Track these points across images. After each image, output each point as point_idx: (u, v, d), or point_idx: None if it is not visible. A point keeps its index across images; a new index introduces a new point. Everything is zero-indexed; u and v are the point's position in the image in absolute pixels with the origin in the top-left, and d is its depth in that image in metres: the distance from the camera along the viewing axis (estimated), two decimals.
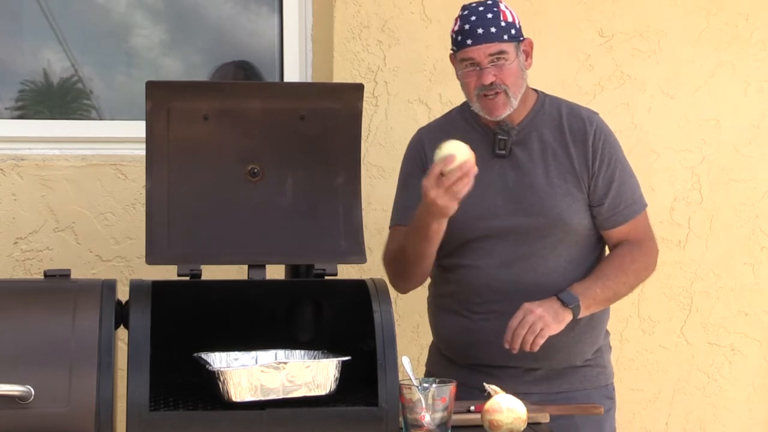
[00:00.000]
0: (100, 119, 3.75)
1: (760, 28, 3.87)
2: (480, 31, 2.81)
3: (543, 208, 2.86)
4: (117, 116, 3.74)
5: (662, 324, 3.85)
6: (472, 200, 2.86)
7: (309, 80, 3.70)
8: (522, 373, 2.88)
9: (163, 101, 2.55)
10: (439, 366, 3.02)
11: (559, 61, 3.73)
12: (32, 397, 2.26)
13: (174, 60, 3.83)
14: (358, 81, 3.47)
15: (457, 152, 2.62)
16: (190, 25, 3.84)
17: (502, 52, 2.82)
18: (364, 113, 2.75)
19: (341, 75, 3.59)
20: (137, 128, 3.21)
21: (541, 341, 2.73)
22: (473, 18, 2.84)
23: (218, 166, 2.61)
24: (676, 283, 3.86)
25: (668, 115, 3.83)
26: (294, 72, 3.73)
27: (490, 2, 2.87)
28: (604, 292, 2.85)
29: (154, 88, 2.54)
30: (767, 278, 3.91)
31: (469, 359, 2.93)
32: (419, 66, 3.65)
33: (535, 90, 2.99)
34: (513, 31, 2.85)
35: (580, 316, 2.81)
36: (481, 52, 2.82)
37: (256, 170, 2.63)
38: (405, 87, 3.64)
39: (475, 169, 2.61)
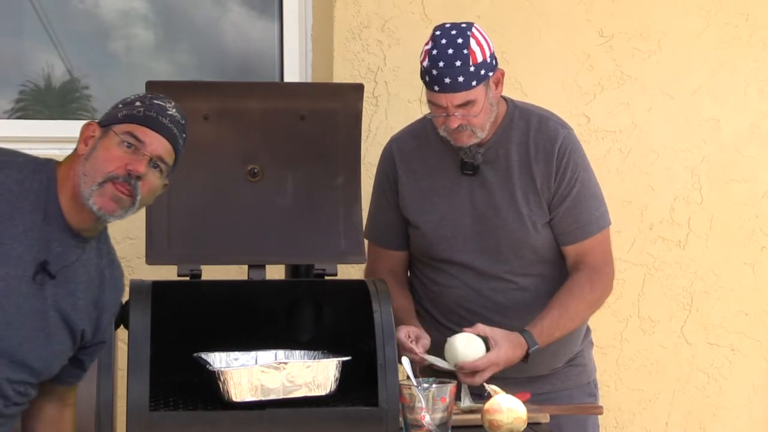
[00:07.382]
0: None
1: (760, 28, 3.87)
2: (447, 80, 2.67)
3: (508, 230, 2.81)
4: None
5: (662, 324, 3.84)
6: (442, 218, 2.83)
7: (309, 80, 3.70)
8: (501, 378, 2.84)
9: None
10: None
11: (559, 61, 3.73)
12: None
13: (174, 60, 3.83)
14: (358, 81, 3.46)
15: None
16: (189, 26, 3.84)
17: (469, 102, 2.70)
18: (364, 113, 2.75)
19: (341, 75, 3.58)
20: None
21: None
22: (441, 64, 2.67)
23: (218, 166, 2.62)
24: (676, 283, 3.85)
25: (668, 115, 3.82)
26: (294, 72, 3.73)
27: (460, 40, 2.69)
28: (562, 330, 2.79)
29: (154, 89, 2.54)
30: (767, 278, 3.91)
31: None
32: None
33: (505, 99, 2.87)
34: (482, 72, 2.69)
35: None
36: (447, 100, 2.70)
37: (256, 170, 2.63)
38: (405, 87, 3.63)
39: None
